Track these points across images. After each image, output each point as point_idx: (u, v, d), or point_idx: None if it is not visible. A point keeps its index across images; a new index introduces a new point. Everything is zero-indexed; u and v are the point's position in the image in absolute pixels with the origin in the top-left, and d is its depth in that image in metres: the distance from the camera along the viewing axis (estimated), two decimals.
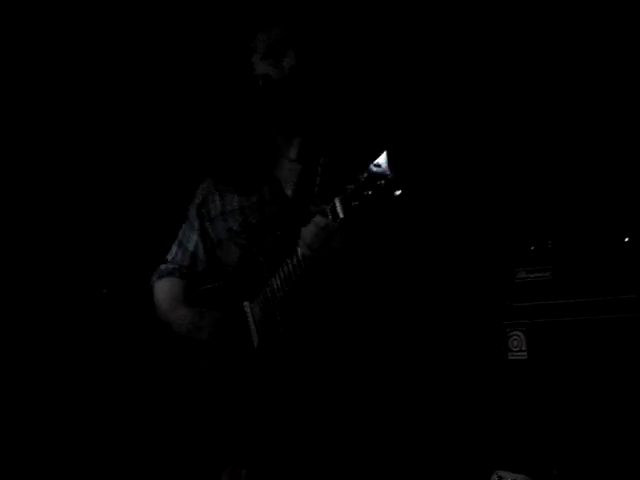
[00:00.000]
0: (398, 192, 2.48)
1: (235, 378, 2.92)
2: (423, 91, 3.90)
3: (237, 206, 3.01)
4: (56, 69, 4.12)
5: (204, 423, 3.01)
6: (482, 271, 3.74)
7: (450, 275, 3.75)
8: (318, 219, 2.61)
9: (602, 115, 3.77)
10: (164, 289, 3.14)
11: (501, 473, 3.38)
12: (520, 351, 3.63)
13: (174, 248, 3.16)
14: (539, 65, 3.84)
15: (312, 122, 2.95)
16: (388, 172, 2.47)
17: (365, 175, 2.49)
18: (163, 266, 3.17)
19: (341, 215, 2.54)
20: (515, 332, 3.65)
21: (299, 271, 2.72)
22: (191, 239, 3.11)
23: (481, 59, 3.88)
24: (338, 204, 2.54)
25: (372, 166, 2.48)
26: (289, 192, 2.93)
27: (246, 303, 2.91)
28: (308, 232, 2.64)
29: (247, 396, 2.90)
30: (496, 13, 3.85)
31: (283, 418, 2.84)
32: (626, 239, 3.51)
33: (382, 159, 2.47)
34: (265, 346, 2.86)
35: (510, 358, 3.65)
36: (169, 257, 3.17)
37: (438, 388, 3.69)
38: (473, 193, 3.79)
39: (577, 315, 3.55)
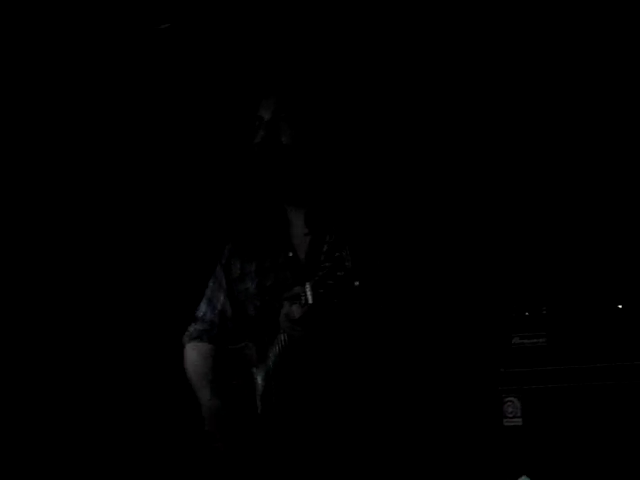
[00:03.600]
0: (356, 283, 2.58)
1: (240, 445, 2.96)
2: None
3: (254, 268, 3.06)
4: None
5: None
6: (477, 337, 3.75)
7: (446, 339, 3.76)
8: (284, 307, 2.75)
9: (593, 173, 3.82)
10: (193, 356, 3.17)
11: None
12: (515, 417, 3.63)
13: (203, 306, 3.20)
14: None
15: (314, 194, 2.99)
16: (348, 264, 2.56)
17: (328, 264, 2.60)
18: (192, 327, 3.21)
19: (310, 300, 2.65)
20: (510, 398, 3.65)
21: (283, 345, 2.83)
22: (219, 297, 3.16)
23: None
24: (308, 289, 2.65)
25: (335, 255, 2.59)
26: (302, 258, 2.98)
27: (254, 369, 2.98)
28: (283, 313, 2.77)
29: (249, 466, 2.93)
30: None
31: None
32: (619, 306, 3.55)
33: (344, 251, 2.58)
34: (265, 413, 2.92)
35: (505, 424, 3.64)
36: (199, 314, 3.20)
37: (432, 454, 3.68)
38: (469, 258, 3.81)
39: (572, 381, 3.57)
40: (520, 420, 3.62)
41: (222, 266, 3.16)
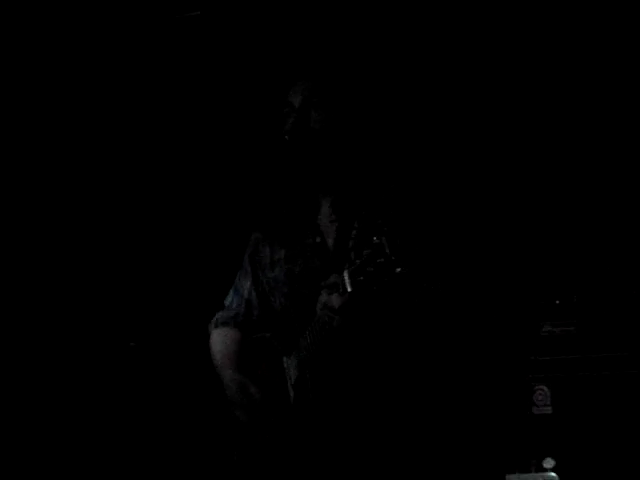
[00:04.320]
0: (399, 269, 2.54)
1: (273, 432, 2.96)
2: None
3: (283, 255, 3.04)
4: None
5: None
6: (508, 324, 3.75)
7: (478, 327, 3.76)
8: (322, 296, 2.74)
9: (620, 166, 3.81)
10: (219, 341, 3.17)
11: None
12: (545, 405, 3.64)
13: (231, 294, 3.21)
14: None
15: (343, 179, 2.98)
16: (386, 249, 2.53)
17: (368, 251, 2.57)
18: (219, 313, 3.21)
19: (349, 288, 2.62)
20: (540, 386, 3.65)
21: (322, 333, 2.80)
22: (245, 286, 3.16)
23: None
24: (346, 277, 2.63)
25: (374, 241, 2.56)
26: (330, 244, 2.97)
27: (285, 358, 2.97)
28: (321, 302, 2.75)
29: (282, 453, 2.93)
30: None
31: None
32: None
33: (383, 237, 2.55)
34: (299, 402, 2.90)
35: (535, 412, 3.65)
36: (226, 303, 3.21)
37: (462, 442, 3.69)
38: (501, 246, 3.81)
39: (601, 370, 3.57)
40: (550, 408, 3.62)
41: (249, 255, 3.15)
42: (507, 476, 3.38)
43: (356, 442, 2.83)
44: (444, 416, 3.06)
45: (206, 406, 3.93)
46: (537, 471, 3.36)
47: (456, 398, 3.66)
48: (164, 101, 4.21)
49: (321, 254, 2.96)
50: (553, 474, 3.35)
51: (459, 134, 3.97)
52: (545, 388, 3.64)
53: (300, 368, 2.90)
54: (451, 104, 3.99)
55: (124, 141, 4.22)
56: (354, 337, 2.79)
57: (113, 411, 4.14)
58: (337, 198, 2.98)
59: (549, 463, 3.40)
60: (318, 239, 2.97)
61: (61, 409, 4.12)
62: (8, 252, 4.09)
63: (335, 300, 2.69)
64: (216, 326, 3.20)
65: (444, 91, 3.98)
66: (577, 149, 3.84)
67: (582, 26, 3.81)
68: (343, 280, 2.63)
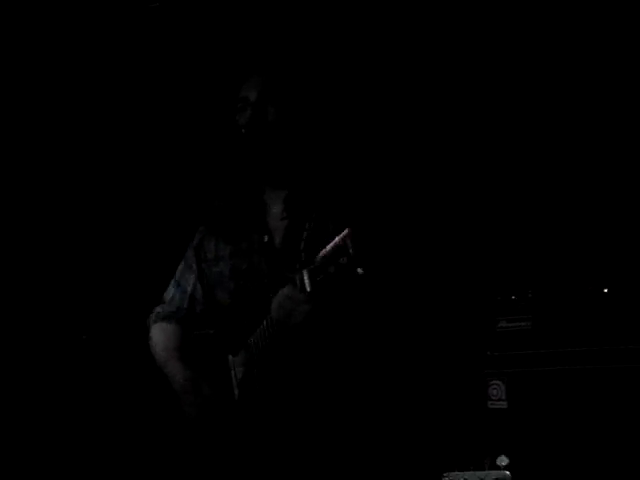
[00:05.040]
0: (360, 270, 2.52)
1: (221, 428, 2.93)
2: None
3: (228, 252, 3.01)
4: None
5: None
6: (463, 320, 3.77)
7: (432, 324, 3.77)
8: (287, 289, 2.68)
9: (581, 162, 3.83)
10: (161, 335, 3.12)
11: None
12: (500, 400, 3.65)
13: (171, 289, 3.15)
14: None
15: (296, 176, 2.96)
16: (349, 250, 2.50)
17: (329, 250, 2.54)
18: (159, 308, 3.16)
19: (308, 288, 2.60)
20: (495, 381, 3.67)
21: (271, 332, 2.78)
22: (189, 280, 3.11)
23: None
24: (306, 277, 2.60)
25: (336, 242, 2.52)
26: (277, 242, 2.94)
27: (230, 356, 2.94)
28: (277, 298, 2.72)
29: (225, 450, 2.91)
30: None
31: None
32: (605, 290, 3.57)
33: (344, 235, 2.51)
34: (244, 400, 2.89)
35: (490, 407, 3.66)
36: (167, 297, 3.15)
37: (417, 436, 3.70)
38: (456, 243, 3.82)
39: (556, 365, 3.59)
40: (505, 403, 3.64)
41: (194, 248, 3.10)
42: (458, 473, 3.38)
43: (299, 440, 2.81)
44: (397, 411, 3.06)
45: (153, 400, 3.89)
46: (491, 469, 3.37)
47: (412, 393, 3.68)
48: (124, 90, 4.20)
49: (268, 252, 2.93)
50: (506, 472, 3.36)
51: (414, 127, 3.96)
52: (500, 383, 3.66)
53: (248, 366, 2.87)
54: (404, 95, 3.98)
55: None
56: (310, 336, 2.78)
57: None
58: (289, 197, 2.95)
59: (503, 461, 3.41)
60: (266, 237, 2.94)
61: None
62: None
63: (296, 297, 2.67)
64: (155, 321, 3.14)
65: (397, 84, 3.97)
66: (540, 144, 3.86)
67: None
68: (302, 279, 2.62)
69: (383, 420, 2.99)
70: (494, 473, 3.28)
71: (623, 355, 3.48)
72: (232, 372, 2.92)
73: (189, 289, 3.10)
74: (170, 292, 3.14)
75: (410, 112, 3.96)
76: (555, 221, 3.78)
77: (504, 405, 3.65)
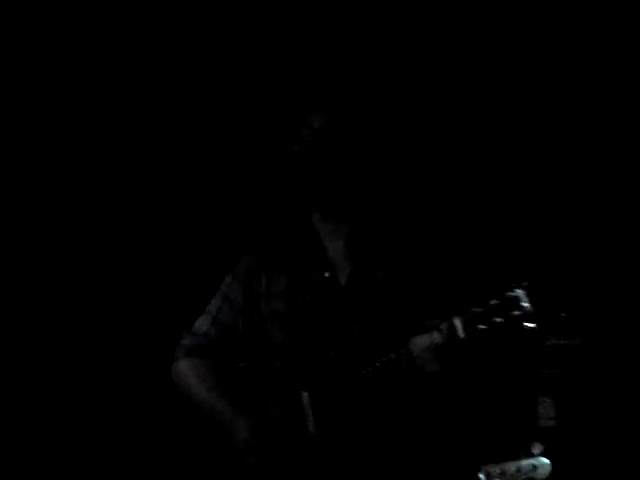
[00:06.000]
0: (531, 325, 2.50)
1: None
2: None
3: (284, 287, 2.82)
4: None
5: None
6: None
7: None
8: (434, 334, 2.56)
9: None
10: (195, 367, 2.90)
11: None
12: (549, 419, 3.64)
13: (204, 323, 2.91)
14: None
15: (362, 208, 2.80)
16: (527, 305, 2.46)
17: (496, 302, 2.47)
18: (188, 340, 2.92)
19: (462, 335, 2.51)
20: (544, 399, 3.65)
21: (394, 374, 2.63)
22: (229, 315, 2.88)
23: None
24: (459, 324, 2.51)
25: (507, 294, 2.46)
26: (342, 280, 2.78)
27: (305, 394, 2.75)
28: (419, 341, 2.58)
29: None
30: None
31: None
32: None
33: (521, 290, 2.47)
34: (323, 442, 2.71)
35: (540, 425, 3.65)
36: (198, 331, 2.91)
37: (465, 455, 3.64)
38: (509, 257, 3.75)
39: (605, 383, 3.61)
40: (554, 421, 3.64)
41: (239, 281, 2.88)
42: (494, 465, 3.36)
43: None
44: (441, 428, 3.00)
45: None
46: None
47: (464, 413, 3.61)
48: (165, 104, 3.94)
49: (331, 289, 2.76)
50: (544, 459, 3.34)
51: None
52: (549, 400, 3.65)
53: (333, 407, 2.69)
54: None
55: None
56: (448, 386, 2.67)
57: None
58: (353, 233, 2.79)
59: (538, 448, 3.40)
60: (327, 274, 2.78)
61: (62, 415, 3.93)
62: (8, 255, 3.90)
63: (438, 343, 2.54)
64: (187, 354, 2.92)
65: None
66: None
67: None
68: (452, 326, 2.51)
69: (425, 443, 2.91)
70: (531, 461, 3.25)
71: None
72: (306, 410, 2.74)
73: (227, 324, 2.88)
74: (203, 326, 2.91)
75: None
76: (607, 238, 3.76)
77: (553, 423, 3.64)
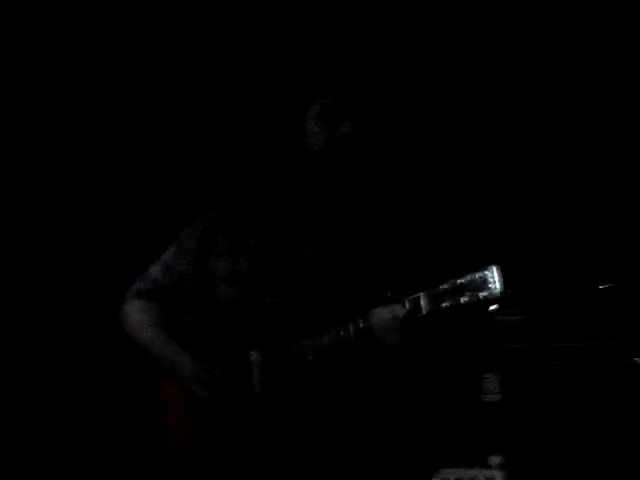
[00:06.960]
0: (494, 307, 2.51)
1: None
2: None
3: (252, 245, 2.85)
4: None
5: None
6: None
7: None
8: (396, 307, 2.62)
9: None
10: (143, 309, 2.90)
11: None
12: (494, 393, 3.66)
13: (156, 270, 2.93)
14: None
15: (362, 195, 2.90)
16: (497, 289, 2.51)
17: (462, 281, 2.54)
18: (138, 284, 2.93)
19: (424, 311, 2.56)
20: (489, 374, 3.67)
21: (353, 344, 2.67)
22: (182, 264, 2.90)
23: None
24: (423, 300, 2.55)
25: (476, 275, 2.52)
26: (306, 250, 2.82)
27: (253, 352, 2.76)
28: (380, 314, 2.63)
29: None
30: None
31: None
32: (601, 287, 3.63)
33: (492, 273, 2.52)
34: (268, 404, 2.74)
35: (484, 400, 3.67)
36: (149, 276, 2.93)
37: (410, 429, 3.66)
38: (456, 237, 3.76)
39: (550, 359, 3.64)
40: (498, 396, 3.66)
41: (198, 232, 2.89)
42: (449, 470, 3.39)
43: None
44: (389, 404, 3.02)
45: None
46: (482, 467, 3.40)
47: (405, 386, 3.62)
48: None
49: (295, 254, 2.81)
50: (498, 472, 3.39)
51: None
52: (494, 376, 3.67)
53: (282, 368, 2.72)
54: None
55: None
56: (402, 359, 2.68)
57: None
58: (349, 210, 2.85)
59: (495, 460, 3.44)
60: (307, 248, 2.82)
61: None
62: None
63: (399, 316, 2.59)
64: (136, 296, 2.92)
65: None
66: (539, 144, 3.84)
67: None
68: (417, 301, 2.54)
69: (375, 414, 2.94)
70: (486, 472, 3.30)
71: (616, 351, 3.57)
72: (253, 370, 2.76)
73: (182, 273, 2.89)
74: (154, 272, 2.93)
75: None
76: (553, 216, 3.78)
77: (497, 398, 3.66)
